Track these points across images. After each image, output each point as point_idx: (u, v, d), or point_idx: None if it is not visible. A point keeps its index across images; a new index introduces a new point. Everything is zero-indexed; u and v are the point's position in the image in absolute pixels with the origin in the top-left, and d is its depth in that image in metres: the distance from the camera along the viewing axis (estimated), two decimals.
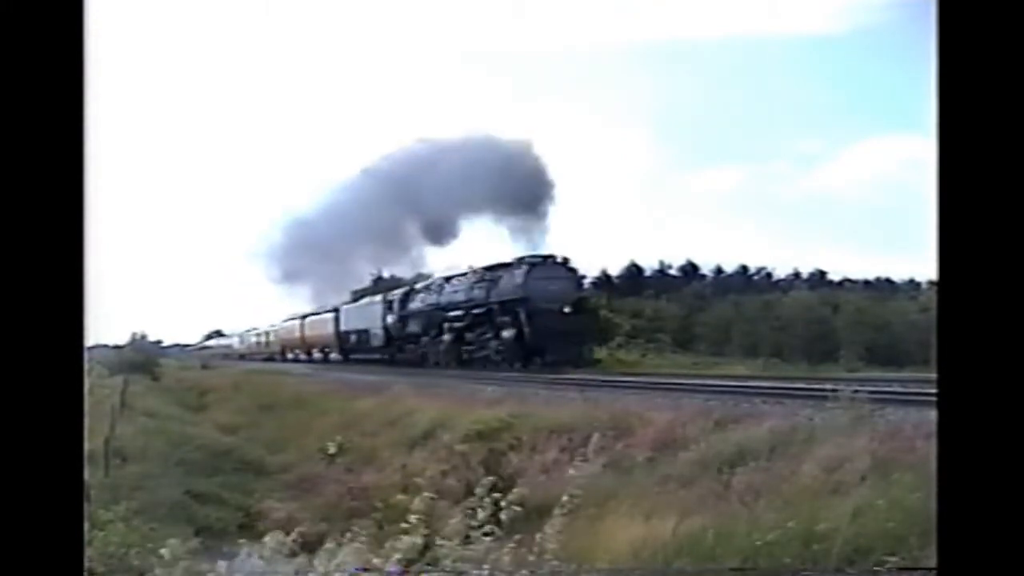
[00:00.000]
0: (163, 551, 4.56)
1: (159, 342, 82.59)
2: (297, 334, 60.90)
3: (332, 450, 16.97)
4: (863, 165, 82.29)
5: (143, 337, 63.41)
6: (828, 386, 12.62)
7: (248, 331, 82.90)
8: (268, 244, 53.21)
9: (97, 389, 23.05)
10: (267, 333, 73.84)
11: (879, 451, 8.75)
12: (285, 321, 67.81)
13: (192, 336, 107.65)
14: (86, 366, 2.35)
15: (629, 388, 18.78)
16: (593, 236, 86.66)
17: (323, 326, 54.95)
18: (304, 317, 60.02)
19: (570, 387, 20.28)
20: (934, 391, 2.54)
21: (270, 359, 66.50)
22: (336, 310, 51.76)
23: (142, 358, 47.69)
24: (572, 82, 77.73)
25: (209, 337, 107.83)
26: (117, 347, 50.53)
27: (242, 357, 77.01)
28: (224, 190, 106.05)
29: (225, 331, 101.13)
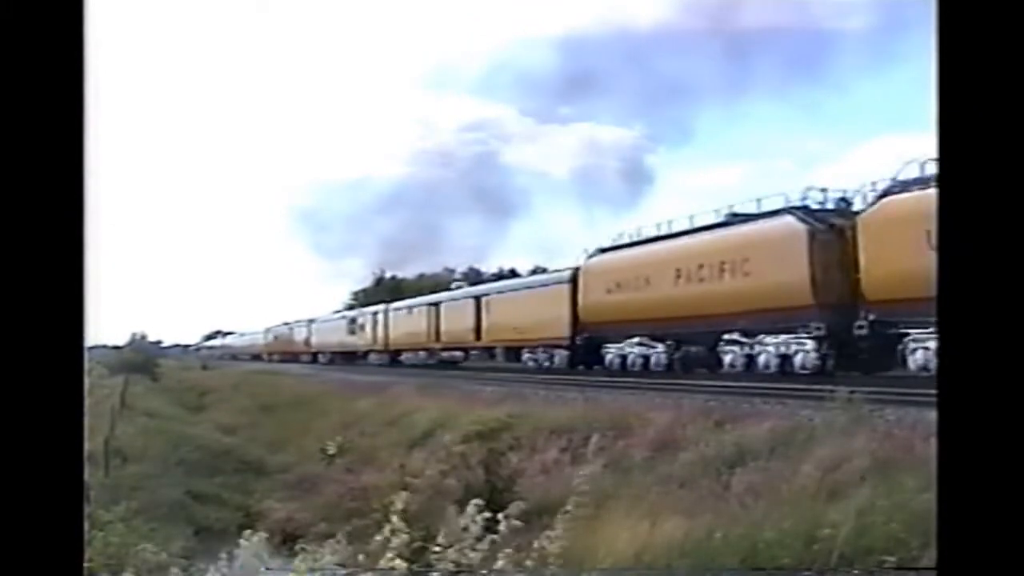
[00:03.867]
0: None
1: (159, 342, 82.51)
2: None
3: (332, 450, 16.94)
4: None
5: (143, 337, 63.67)
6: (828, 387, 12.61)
7: (352, 315, 51.13)
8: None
9: (97, 389, 23.08)
10: (435, 307, 39.01)
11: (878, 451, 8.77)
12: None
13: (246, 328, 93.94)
14: (86, 366, 2.34)
15: (629, 388, 18.77)
16: None
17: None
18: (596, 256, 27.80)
19: (570, 387, 20.28)
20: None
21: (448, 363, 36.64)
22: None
23: (142, 358, 47.93)
24: None
25: (210, 337, 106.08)
26: (117, 347, 50.77)
27: (361, 355, 46.56)
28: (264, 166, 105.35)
29: (226, 330, 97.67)
